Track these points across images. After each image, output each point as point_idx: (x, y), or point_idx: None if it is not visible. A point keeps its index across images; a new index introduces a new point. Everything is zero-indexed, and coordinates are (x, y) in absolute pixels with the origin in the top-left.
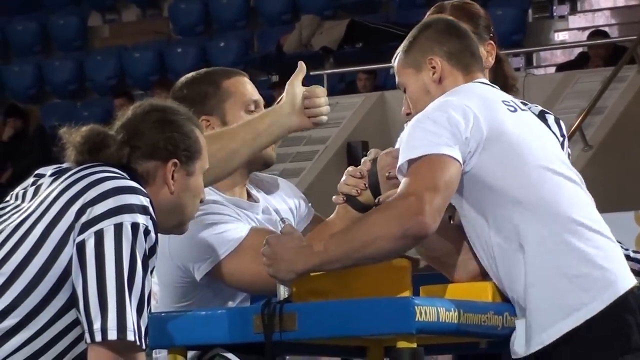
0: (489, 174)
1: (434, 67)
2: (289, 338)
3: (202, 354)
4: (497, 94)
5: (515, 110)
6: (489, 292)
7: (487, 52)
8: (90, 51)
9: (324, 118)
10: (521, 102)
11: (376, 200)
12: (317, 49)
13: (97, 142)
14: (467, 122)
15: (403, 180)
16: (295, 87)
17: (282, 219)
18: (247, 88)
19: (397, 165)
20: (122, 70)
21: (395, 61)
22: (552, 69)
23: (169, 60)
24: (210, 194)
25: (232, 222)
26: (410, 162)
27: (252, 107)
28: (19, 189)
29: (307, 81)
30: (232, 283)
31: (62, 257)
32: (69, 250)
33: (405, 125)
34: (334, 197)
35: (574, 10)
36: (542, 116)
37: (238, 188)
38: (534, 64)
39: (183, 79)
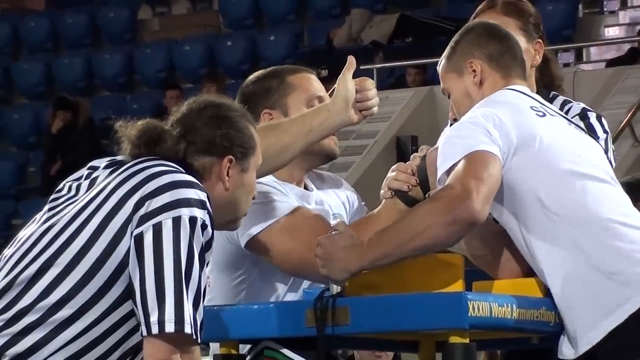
0: (519, 179)
1: (474, 71)
2: (341, 332)
3: (251, 348)
4: (526, 100)
5: (544, 115)
6: (541, 287)
7: (535, 51)
8: (140, 44)
9: (375, 110)
10: (564, 100)
11: (426, 195)
12: (366, 43)
13: (154, 136)
14: (498, 130)
15: (451, 176)
16: (347, 82)
17: (333, 214)
18: (312, 84)
19: (437, 178)
20: (172, 64)
21: (439, 68)
22: (602, 65)
23: (219, 54)
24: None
25: (280, 196)
26: (450, 169)
27: (316, 103)
28: (71, 181)
29: (356, 75)
30: (268, 257)
31: (119, 249)
32: (126, 242)
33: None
34: (381, 192)
35: (624, 6)
36: (583, 114)
37: (296, 182)
38: (584, 60)
39: (251, 76)
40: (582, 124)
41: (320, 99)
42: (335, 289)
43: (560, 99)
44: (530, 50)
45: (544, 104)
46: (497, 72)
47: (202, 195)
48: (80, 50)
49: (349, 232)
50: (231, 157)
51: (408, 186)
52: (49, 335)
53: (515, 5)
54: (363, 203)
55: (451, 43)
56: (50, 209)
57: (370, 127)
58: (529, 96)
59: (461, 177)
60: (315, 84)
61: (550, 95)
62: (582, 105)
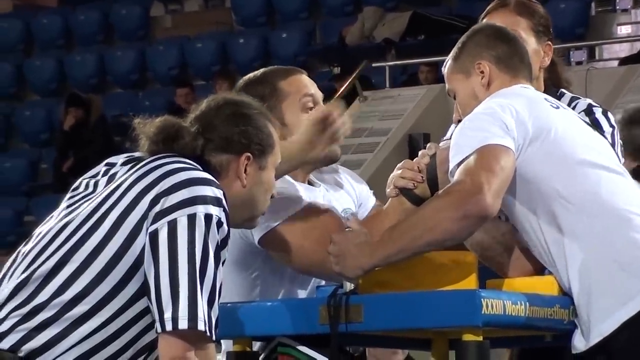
0: (535, 170)
1: (482, 72)
2: (354, 329)
3: (266, 345)
4: (539, 94)
5: (558, 108)
6: (555, 285)
7: (544, 53)
8: (152, 41)
9: (344, 134)
10: (571, 97)
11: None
12: (379, 40)
13: (172, 132)
14: (514, 120)
15: (457, 171)
16: (308, 125)
17: (344, 210)
18: (304, 84)
19: (449, 170)
20: (184, 61)
21: (445, 69)
22: (615, 63)
23: (231, 51)
24: None
25: (293, 192)
26: (461, 162)
27: (311, 104)
28: (88, 178)
29: (369, 73)
30: (280, 253)
31: (135, 246)
32: (142, 239)
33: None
34: (387, 190)
35: (637, 4)
36: (589, 110)
37: (300, 181)
38: (597, 58)
39: (241, 81)
40: (587, 120)
41: (313, 97)
42: (349, 286)
43: (568, 95)
44: (540, 52)
45: (555, 100)
46: (506, 73)
47: (219, 193)
48: (92, 47)
49: (363, 230)
50: (249, 154)
51: (414, 184)
52: (64, 331)
53: (528, 6)
54: (372, 192)
55: (458, 44)
56: (68, 206)
57: (382, 124)
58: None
59: (472, 170)
60: (306, 83)
61: (558, 93)
62: (589, 101)
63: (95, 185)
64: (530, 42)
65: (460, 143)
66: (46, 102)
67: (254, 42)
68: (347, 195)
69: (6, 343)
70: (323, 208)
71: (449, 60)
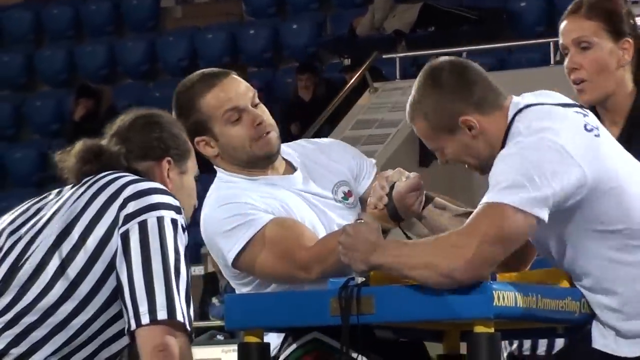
0: (593, 211)
1: (469, 126)
2: (366, 321)
3: (295, 337)
4: (579, 120)
5: (599, 136)
6: (566, 277)
7: (624, 50)
8: (163, 32)
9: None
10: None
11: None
12: (389, 32)
13: (96, 149)
14: (564, 170)
15: (473, 215)
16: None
17: (339, 182)
18: (226, 99)
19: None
20: (194, 52)
21: (419, 130)
22: None
23: (241, 42)
24: (232, 181)
25: (252, 213)
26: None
27: (235, 117)
28: (31, 204)
29: (379, 64)
30: (254, 274)
31: (110, 246)
32: (115, 241)
33: None
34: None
35: None
36: None
37: (269, 170)
38: None
39: (178, 87)
40: None
41: (237, 109)
42: (359, 278)
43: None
44: (616, 50)
45: (591, 120)
46: (492, 113)
47: (178, 202)
48: (102, 37)
49: (376, 226)
50: (169, 158)
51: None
52: (49, 334)
53: (600, 7)
54: (374, 162)
55: (421, 102)
56: (17, 229)
57: (392, 116)
58: (565, 105)
59: (479, 234)
60: (227, 95)
61: None
62: None
63: (40, 209)
64: (605, 44)
65: (498, 179)
66: (56, 92)
67: (264, 33)
68: (337, 169)
69: None
70: (286, 221)
71: (416, 120)
